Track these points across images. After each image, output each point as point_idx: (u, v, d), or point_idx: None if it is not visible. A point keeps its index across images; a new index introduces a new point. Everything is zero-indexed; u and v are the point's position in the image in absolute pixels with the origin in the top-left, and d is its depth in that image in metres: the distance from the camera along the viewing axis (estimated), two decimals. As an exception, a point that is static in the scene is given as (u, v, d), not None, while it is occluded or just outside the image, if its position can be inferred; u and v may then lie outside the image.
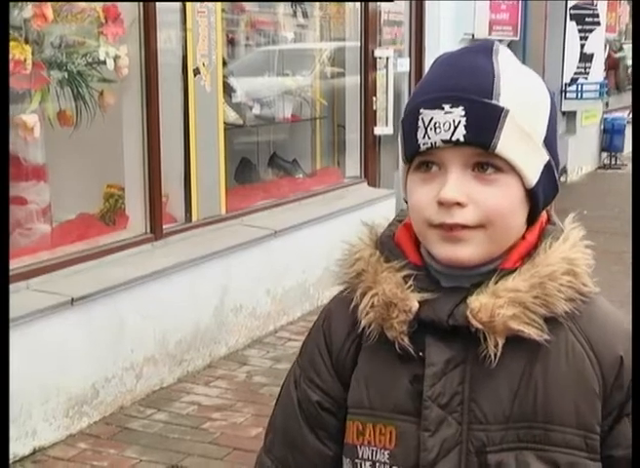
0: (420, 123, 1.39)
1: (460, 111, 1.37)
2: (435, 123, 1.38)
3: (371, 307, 1.47)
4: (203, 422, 4.68)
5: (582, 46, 11.70)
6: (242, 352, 5.65)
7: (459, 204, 1.38)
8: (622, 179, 12.15)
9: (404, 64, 8.03)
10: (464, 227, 1.40)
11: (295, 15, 7.79)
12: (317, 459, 1.58)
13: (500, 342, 1.41)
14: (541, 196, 1.45)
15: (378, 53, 7.59)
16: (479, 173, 1.39)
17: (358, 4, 7.49)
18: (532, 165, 1.43)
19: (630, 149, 13.97)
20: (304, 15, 7.86)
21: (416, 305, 1.44)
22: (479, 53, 1.43)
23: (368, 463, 1.51)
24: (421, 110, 1.39)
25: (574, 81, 11.55)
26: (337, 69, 7.77)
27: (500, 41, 9.11)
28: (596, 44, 11.94)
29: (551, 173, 1.47)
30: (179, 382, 5.11)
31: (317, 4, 7.85)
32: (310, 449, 1.58)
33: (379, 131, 7.57)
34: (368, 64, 7.51)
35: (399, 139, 1.46)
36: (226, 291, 5.50)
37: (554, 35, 11.24)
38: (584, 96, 11.66)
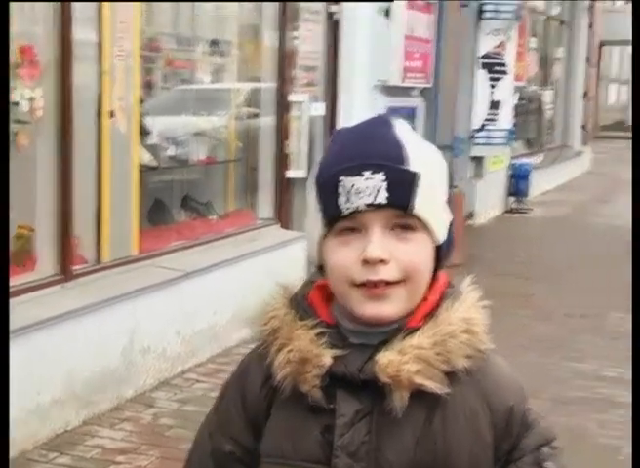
0: (341, 189, 1.46)
1: (380, 177, 1.46)
2: (357, 188, 1.46)
3: (286, 363, 1.53)
4: (107, 466, 4.57)
5: (492, 93, 11.87)
6: (149, 394, 5.55)
7: (382, 261, 1.46)
8: (528, 223, 12.33)
9: (318, 109, 8.05)
10: (388, 284, 1.48)
11: (212, 54, 7.78)
12: None
13: (405, 396, 1.49)
14: (445, 252, 1.56)
15: (292, 97, 7.63)
16: (398, 232, 1.48)
17: (274, 45, 7.50)
18: (441, 223, 1.54)
19: (535, 194, 14.25)
20: (222, 54, 7.84)
21: (329, 361, 1.50)
22: (382, 124, 1.53)
23: None
24: (341, 178, 1.46)
25: (483, 127, 11.71)
26: (252, 111, 7.77)
27: (413, 88, 9.28)
28: (505, 92, 12.13)
29: (451, 231, 1.58)
30: (84, 425, 4.98)
31: (235, 43, 7.84)
32: None
33: (292, 174, 7.59)
34: (283, 107, 7.54)
35: (315, 207, 1.52)
36: (136, 332, 5.41)
37: (465, 83, 11.44)
38: (493, 141, 11.85)
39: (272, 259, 6.93)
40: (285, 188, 7.64)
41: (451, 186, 7.30)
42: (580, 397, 5.91)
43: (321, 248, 1.55)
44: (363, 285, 1.49)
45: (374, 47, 8.55)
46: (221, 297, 6.29)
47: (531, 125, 16.80)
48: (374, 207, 1.47)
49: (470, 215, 11.40)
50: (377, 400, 1.53)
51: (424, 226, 1.51)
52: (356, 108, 8.41)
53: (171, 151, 6.77)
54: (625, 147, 25.71)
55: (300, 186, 7.74)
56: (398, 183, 1.47)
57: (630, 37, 26.88)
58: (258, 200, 7.54)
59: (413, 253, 1.51)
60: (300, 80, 7.89)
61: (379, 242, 1.48)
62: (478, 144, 11.61)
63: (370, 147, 1.50)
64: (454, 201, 10.01)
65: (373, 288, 1.49)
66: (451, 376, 1.52)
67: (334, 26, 8.26)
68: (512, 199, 13.64)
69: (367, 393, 1.53)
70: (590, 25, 19.94)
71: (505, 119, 12.20)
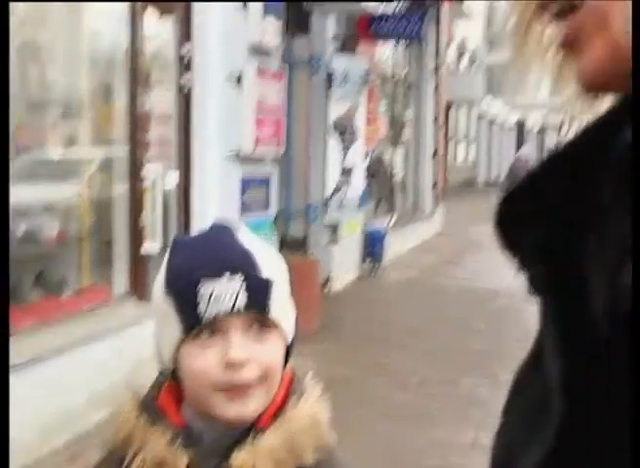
0: (200, 295, 1.54)
1: (237, 283, 1.55)
2: (217, 294, 1.53)
3: (142, 466, 1.58)
4: None
5: (344, 159, 12.08)
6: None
7: (244, 363, 1.55)
8: (384, 287, 12.55)
9: (171, 181, 8.09)
10: (249, 385, 1.56)
11: (63, 120, 7.68)
12: None
13: None
14: (292, 349, 1.67)
15: (146, 170, 7.63)
16: (255, 334, 1.57)
17: (126, 113, 7.47)
18: (291, 324, 1.66)
19: (390, 256, 14.50)
20: (73, 121, 7.74)
21: (184, 463, 1.56)
22: (225, 233, 1.64)
23: None
24: (200, 284, 1.54)
25: (336, 192, 11.88)
26: (106, 184, 7.70)
27: (266, 157, 9.37)
28: (356, 157, 12.37)
29: (296, 328, 1.69)
30: None
31: (87, 110, 7.69)
32: None
33: (147, 247, 7.58)
34: (136, 179, 7.52)
35: (168, 314, 1.58)
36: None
37: (317, 149, 11.60)
38: (346, 207, 12.05)
39: (129, 334, 6.85)
40: (140, 261, 7.60)
41: (306, 253, 7.46)
42: (436, 465, 6.00)
43: (176, 352, 1.59)
44: (225, 387, 1.56)
45: (225, 116, 8.63)
46: (76, 377, 6.17)
47: (382, 187, 17.08)
48: (234, 312, 1.54)
49: (326, 281, 11.52)
50: None
51: (278, 327, 1.60)
52: (210, 180, 8.48)
53: (20, 226, 6.63)
54: (475, 207, 26.57)
55: (155, 259, 7.73)
56: (255, 289, 1.56)
57: (474, 97, 27.82)
58: (113, 274, 7.47)
59: (270, 354, 1.59)
60: (154, 151, 7.91)
61: (240, 344, 1.55)
62: (332, 210, 11.77)
63: (223, 257, 1.59)
64: (308, 268, 10.25)
65: (235, 390, 1.56)
66: None
67: (185, 96, 8.33)
68: (367, 263, 13.85)
69: None
70: (436, 87, 20.53)
71: (358, 184, 12.45)
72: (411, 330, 9.70)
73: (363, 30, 13.92)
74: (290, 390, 1.66)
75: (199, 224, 8.41)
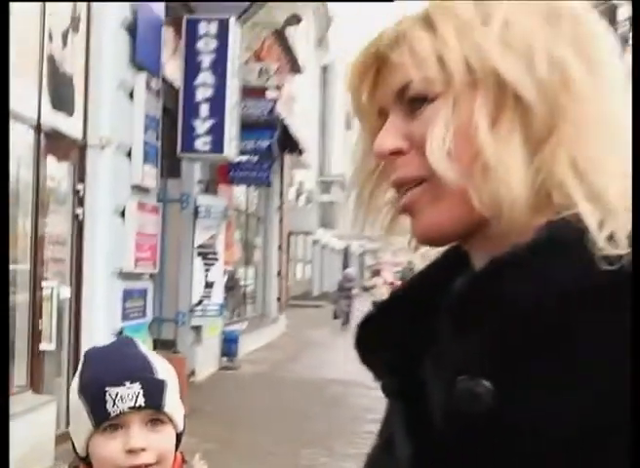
0: (108, 397, 1.56)
1: (138, 386, 1.57)
2: (120, 396, 1.56)
3: None
4: None
5: (206, 276, 12.06)
6: None
7: (143, 449, 1.56)
8: (238, 379, 12.41)
9: (65, 292, 7.95)
10: (147, 466, 1.57)
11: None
12: None
13: None
14: (181, 437, 1.67)
15: (44, 283, 7.47)
16: (151, 426, 1.59)
17: (29, 233, 7.32)
18: (181, 416, 1.66)
19: (243, 353, 14.40)
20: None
21: None
22: (128, 345, 1.69)
23: None
24: (107, 388, 1.56)
25: (200, 302, 11.85)
26: (10, 293, 7.48)
27: (144, 273, 9.30)
28: (216, 274, 12.39)
29: (184, 420, 1.70)
30: None
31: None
32: None
33: (44, 346, 7.36)
34: (36, 290, 7.34)
35: (81, 411, 1.60)
36: None
37: (185, 268, 11.60)
38: (208, 314, 12.01)
39: (26, 423, 6.60)
40: (37, 358, 7.34)
41: (175, 351, 7.37)
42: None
43: (87, 442, 1.60)
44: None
45: (111, 241, 8.54)
46: None
47: (236, 299, 17.09)
48: (135, 409, 1.56)
49: (192, 374, 11.36)
50: None
51: (171, 420, 1.62)
52: (97, 292, 8.34)
53: None
54: (311, 314, 26.72)
55: (50, 357, 7.54)
56: (152, 390, 1.59)
57: (310, 228, 27.99)
58: (14, 370, 7.20)
59: (165, 442, 1.61)
60: (51, 267, 7.77)
61: (139, 435, 1.57)
62: (196, 316, 11.71)
63: (126, 365, 1.61)
64: (177, 364, 10.17)
65: None
66: None
67: (79, 223, 8.25)
68: (225, 359, 13.69)
69: None
70: (280, 220, 20.75)
71: (217, 295, 12.42)
72: (261, 413, 9.57)
73: (223, 176, 14.04)
74: None
75: (88, 328, 8.26)
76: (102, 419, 1.57)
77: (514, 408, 0.85)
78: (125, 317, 8.84)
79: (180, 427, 1.66)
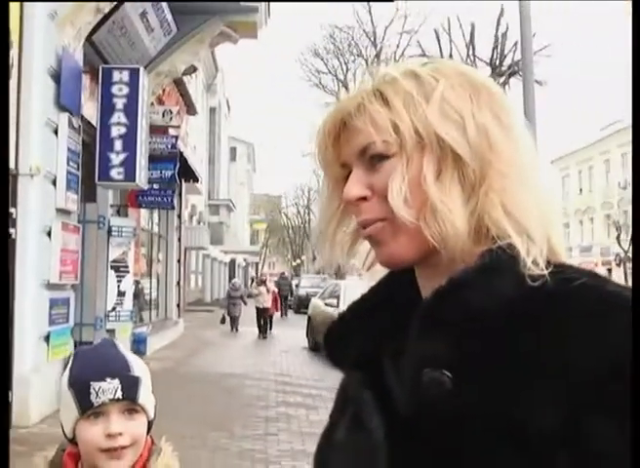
0: (92, 390, 1.60)
1: (117, 381, 1.61)
2: (102, 390, 1.60)
3: None
4: None
5: (119, 286, 11.87)
6: None
7: (120, 434, 1.61)
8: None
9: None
10: (122, 448, 1.61)
11: None
12: None
13: None
14: (152, 424, 1.72)
15: None
16: (127, 415, 1.64)
17: None
18: (152, 407, 1.71)
19: (150, 352, 14.18)
20: None
21: None
22: (110, 346, 1.72)
23: None
24: (91, 382, 1.61)
25: (114, 309, 11.65)
26: None
27: (67, 284, 9.13)
28: (127, 284, 12.18)
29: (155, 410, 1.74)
30: None
31: None
32: None
33: None
34: None
35: (70, 401, 1.63)
36: None
37: (101, 279, 11.35)
38: (121, 318, 11.82)
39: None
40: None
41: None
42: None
43: (74, 426, 1.64)
44: (106, 450, 1.61)
45: (39, 256, 8.36)
46: None
47: (142, 305, 16.77)
48: (114, 400, 1.61)
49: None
50: None
51: (144, 409, 1.66)
52: (27, 300, 8.12)
53: None
54: (204, 317, 26.47)
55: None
56: (129, 384, 1.63)
57: (202, 244, 27.51)
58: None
59: (138, 428, 1.65)
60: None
61: (117, 422, 1.61)
62: (111, 321, 11.48)
63: (107, 363, 1.64)
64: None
65: (113, 452, 1.61)
66: None
67: (12, 242, 8.04)
68: (134, 357, 13.50)
69: None
70: (179, 238, 20.59)
71: (128, 303, 12.21)
72: (169, 402, 9.44)
73: (132, 200, 13.90)
74: (152, 450, 1.71)
75: (19, 332, 8.01)
76: (87, 408, 1.61)
77: (469, 391, 0.90)
78: (51, 322, 8.63)
79: (151, 416, 1.70)
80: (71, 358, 1.71)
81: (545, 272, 0.91)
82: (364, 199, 0.97)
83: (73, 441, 1.65)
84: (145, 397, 1.66)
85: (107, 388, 1.60)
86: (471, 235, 0.94)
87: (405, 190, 0.92)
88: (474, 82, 0.97)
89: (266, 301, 21.25)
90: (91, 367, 1.64)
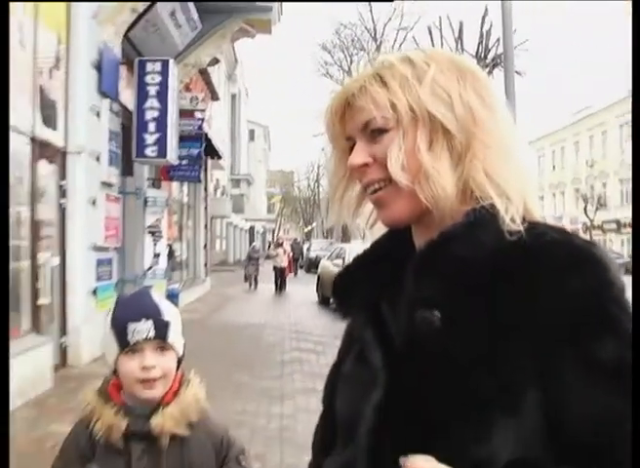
0: (129, 330, 1.62)
1: (150, 322, 1.63)
2: (138, 329, 1.62)
3: (100, 427, 1.63)
4: None
5: (154, 248, 11.93)
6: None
7: (154, 367, 1.62)
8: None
9: (55, 261, 7.81)
10: (155, 380, 1.63)
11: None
12: None
13: (167, 438, 1.63)
14: (181, 361, 1.73)
15: (40, 255, 7.32)
16: (159, 352, 1.65)
17: (28, 218, 7.10)
18: (181, 346, 1.71)
19: (181, 306, 14.23)
20: None
21: (124, 425, 1.62)
22: (146, 295, 1.72)
23: None
24: (129, 324, 1.62)
25: (150, 268, 11.71)
26: (15, 263, 7.21)
27: (110, 247, 9.22)
28: (161, 247, 12.27)
29: (184, 349, 1.74)
30: None
31: None
32: None
33: (41, 301, 7.25)
34: (34, 261, 7.18)
35: (111, 340, 1.65)
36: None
37: (139, 243, 11.40)
38: (157, 276, 11.87)
39: (30, 357, 6.53)
40: (37, 310, 7.20)
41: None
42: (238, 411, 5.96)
43: (115, 359, 1.65)
44: (142, 381, 1.63)
45: (87, 223, 8.41)
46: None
47: (175, 265, 16.80)
48: (147, 339, 1.62)
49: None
50: (153, 443, 1.63)
51: (173, 347, 1.67)
52: (77, 261, 8.21)
53: None
54: (228, 276, 26.47)
55: (45, 308, 7.43)
56: (160, 326, 1.63)
57: (225, 214, 27.32)
58: (21, 318, 7.03)
59: (169, 362, 1.66)
60: (44, 243, 7.61)
61: (150, 357, 1.63)
62: (148, 278, 11.54)
63: (142, 308, 1.65)
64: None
65: (147, 382, 1.63)
66: (190, 426, 1.66)
67: (63, 211, 8.13)
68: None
69: (147, 440, 1.63)
70: (205, 207, 20.58)
71: (162, 263, 12.28)
72: (198, 348, 9.47)
73: (164, 174, 13.89)
74: (182, 381, 1.72)
75: (71, 288, 8.14)
76: (125, 345, 1.63)
77: (455, 331, 0.91)
78: (98, 279, 8.73)
79: (180, 353, 1.70)
80: (114, 303, 1.73)
81: (521, 228, 0.92)
82: (366, 165, 0.98)
83: (116, 373, 1.68)
84: (175, 337, 1.67)
85: (142, 328, 1.61)
86: (458, 197, 0.96)
87: (402, 158, 0.94)
88: (461, 67, 0.98)
89: (283, 261, 21.01)
90: (129, 310, 1.65)
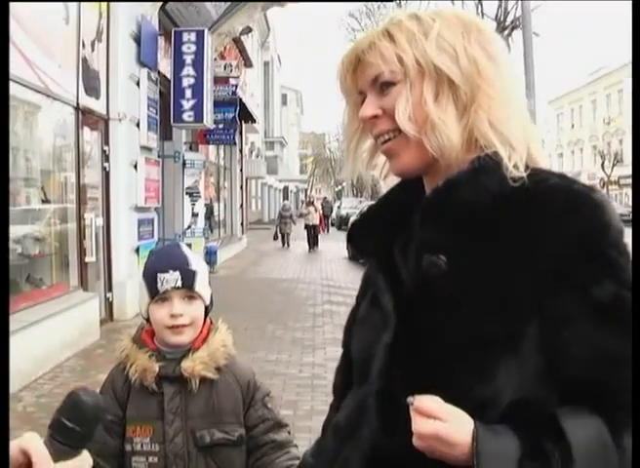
0: (159, 279, 1.61)
1: (177, 273, 1.61)
2: (167, 279, 1.61)
3: (135, 371, 1.63)
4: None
5: (192, 208, 11.95)
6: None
7: (181, 315, 1.61)
8: (219, 280, 11.85)
9: (100, 221, 7.87)
10: (183, 326, 1.62)
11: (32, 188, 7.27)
12: (112, 449, 1.62)
13: (196, 381, 1.62)
14: (209, 309, 1.71)
15: (86, 215, 7.38)
16: (188, 300, 1.63)
17: (74, 183, 7.16)
18: (208, 295, 1.70)
19: (220, 262, 14.35)
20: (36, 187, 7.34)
21: (157, 368, 1.62)
22: (176, 246, 1.72)
23: (138, 445, 1.62)
24: (158, 274, 1.62)
25: (189, 227, 11.76)
26: (63, 223, 7.23)
27: (151, 207, 9.24)
28: (199, 207, 12.28)
29: (212, 299, 1.71)
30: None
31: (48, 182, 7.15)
32: (110, 443, 1.62)
33: (88, 259, 7.30)
34: (80, 221, 7.24)
35: (144, 288, 1.65)
36: None
37: (178, 203, 11.43)
38: (196, 234, 11.92)
39: (79, 312, 6.62)
40: (84, 268, 7.29)
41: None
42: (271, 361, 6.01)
43: (147, 308, 1.66)
44: (171, 327, 1.62)
45: (128, 185, 8.45)
46: (55, 333, 5.87)
47: (213, 224, 16.96)
48: (175, 288, 1.61)
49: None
50: (183, 385, 1.63)
51: (200, 296, 1.66)
52: (121, 221, 8.26)
53: (17, 248, 6.29)
54: (263, 234, 26.57)
55: (92, 266, 7.52)
56: (187, 275, 1.62)
57: (260, 175, 27.18)
58: (69, 275, 7.16)
59: (196, 311, 1.65)
60: (89, 204, 7.69)
61: (178, 305, 1.62)
62: (188, 236, 11.57)
63: (171, 259, 1.64)
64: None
65: (176, 328, 1.62)
66: (218, 369, 1.65)
67: (106, 175, 8.16)
68: (208, 266, 13.56)
69: (178, 382, 1.63)
70: (240, 169, 20.57)
71: (201, 222, 12.33)
72: (236, 301, 9.50)
73: (201, 138, 13.83)
74: (210, 328, 1.71)
75: (116, 246, 8.21)
76: (155, 294, 1.63)
77: (459, 271, 0.91)
78: (140, 238, 8.77)
79: (207, 302, 1.69)
80: (148, 256, 1.72)
81: (524, 174, 0.91)
82: (376, 117, 0.97)
83: (149, 321, 1.67)
84: (202, 286, 1.66)
85: (170, 278, 1.61)
86: (464, 146, 0.94)
87: (409, 110, 0.93)
88: (465, 21, 0.97)
89: (315, 219, 20.41)
90: (159, 262, 1.65)
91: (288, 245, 21.08)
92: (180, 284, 1.61)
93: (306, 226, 20.46)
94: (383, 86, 0.96)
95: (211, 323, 1.72)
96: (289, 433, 1.74)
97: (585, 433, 0.82)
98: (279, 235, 21.26)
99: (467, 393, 0.86)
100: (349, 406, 1.05)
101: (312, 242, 20.12)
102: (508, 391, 0.86)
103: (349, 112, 1.05)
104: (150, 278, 1.62)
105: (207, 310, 1.70)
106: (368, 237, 1.06)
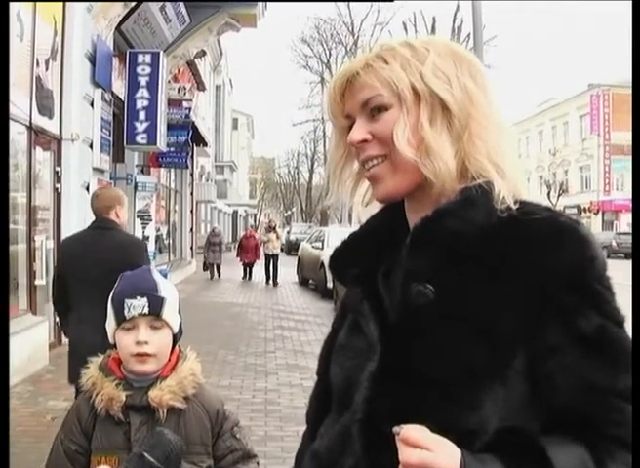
0: (125, 306, 1.59)
1: (145, 299, 1.60)
2: (134, 306, 1.59)
3: (102, 400, 1.59)
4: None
5: (144, 231, 11.84)
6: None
7: (146, 343, 1.59)
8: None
9: (50, 244, 7.72)
10: (148, 355, 1.59)
11: None
12: None
13: (164, 411, 1.59)
14: (177, 338, 1.69)
15: (36, 237, 7.26)
16: (154, 329, 1.62)
17: (25, 203, 7.03)
18: (176, 323, 1.68)
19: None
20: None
21: (124, 397, 1.59)
22: (146, 271, 1.70)
23: None
24: (125, 300, 1.60)
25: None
26: (13, 245, 7.14)
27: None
28: (150, 231, 12.17)
29: (181, 327, 1.70)
30: None
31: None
32: None
33: (37, 282, 7.18)
34: (31, 243, 7.12)
35: (111, 315, 1.62)
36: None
37: (129, 226, 11.17)
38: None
39: (27, 336, 6.49)
40: (34, 291, 7.15)
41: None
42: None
43: (114, 335, 1.63)
44: (136, 355, 1.59)
45: (80, 207, 8.18)
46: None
47: (163, 248, 16.73)
48: (142, 315, 1.59)
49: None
50: (151, 415, 1.59)
51: (167, 324, 1.63)
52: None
53: None
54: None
55: (41, 289, 7.38)
56: (155, 302, 1.60)
57: (210, 198, 26.98)
58: (18, 299, 6.98)
59: (162, 339, 1.63)
60: (40, 226, 7.56)
61: (144, 333, 1.59)
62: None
63: (139, 285, 1.63)
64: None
65: (140, 356, 1.60)
66: (186, 399, 1.62)
67: (58, 196, 8.05)
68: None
69: (146, 412, 1.59)
70: (191, 193, 20.48)
71: (151, 245, 12.15)
72: (188, 325, 9.41)
73: (154, 161, 13.79)
74: (179, 356, 1.69)
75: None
76: (121, 320, 1.60)
77: (447, 301, 0.90)
78: (91, 261, 8.67)
79: (175, 330, 1.66)
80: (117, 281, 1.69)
81: (513, 206, 0.91)
82: (365, 141, 0.97)
83: (115, 346, 1.65)
84: (169, 314, 1.63)
85: (137, 304, 1.58)
86: (457, 174, 0.95)
87: (407, 134, 0.93)
88: (455, 51, 0.99)
89: (276, 248, 17.26)
90: (127, 287, 1.63)
91: (219, 276, 18.06)
92: (146, 311, 1.58)
93: (266, 256, 17.21)
94: (374, 111, 0.96)
95: (180, 350, 1.71)
96: (257, 464, 1.71)
97: (570, 462, 0.82)
98: (208, 266, 18.01)
99: (454, 422, 0.85)
100: (329, 434, 1.02)
101: (273, 274, 16.80)
102: (494, 420, 0.85)
103: (336, 136, 1.04)
104: (117, 303, 1.60)
105: (175, 338, 1.67)
106: (350, 264, 1.04)
